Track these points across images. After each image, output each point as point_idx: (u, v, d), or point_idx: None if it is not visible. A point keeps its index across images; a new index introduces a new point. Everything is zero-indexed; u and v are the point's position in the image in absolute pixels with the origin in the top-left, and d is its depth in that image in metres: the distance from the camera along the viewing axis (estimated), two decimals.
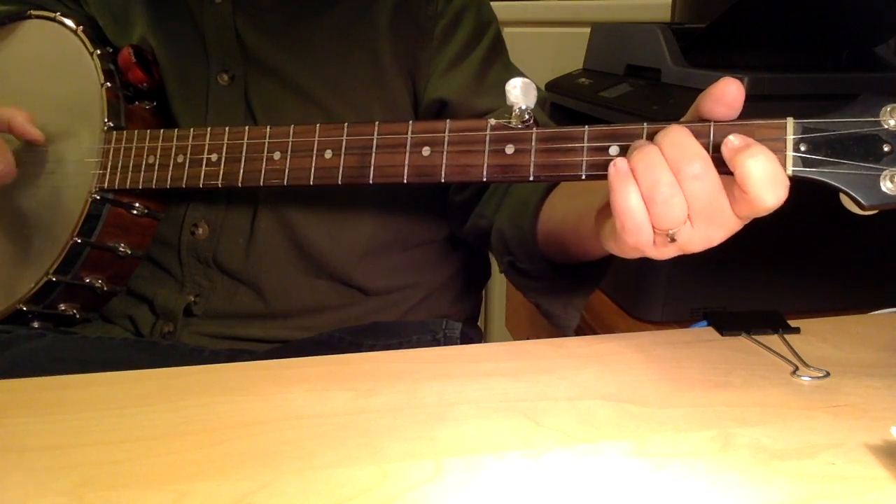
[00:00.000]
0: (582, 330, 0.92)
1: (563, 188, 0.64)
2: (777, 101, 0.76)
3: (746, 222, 0.45)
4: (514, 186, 0.70)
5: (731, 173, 0.43)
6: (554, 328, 0.71)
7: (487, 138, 0.52)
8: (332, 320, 0.75)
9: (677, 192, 0.43)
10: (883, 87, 0.83)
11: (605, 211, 0.48)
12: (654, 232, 0.44)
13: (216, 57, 0.74)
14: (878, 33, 0.87)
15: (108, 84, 0.73)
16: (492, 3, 0.79)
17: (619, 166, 0.45)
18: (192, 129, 0.67)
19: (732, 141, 0.43)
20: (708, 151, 0.44)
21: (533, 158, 0.50)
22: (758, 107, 0.76)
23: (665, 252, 0.46)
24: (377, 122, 0.57)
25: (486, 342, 0.92)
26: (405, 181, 0.55)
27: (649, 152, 0.44)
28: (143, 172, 0.69)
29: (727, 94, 0.44)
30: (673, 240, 0.44)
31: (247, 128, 0.64)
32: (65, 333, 0.73)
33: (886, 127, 0.42)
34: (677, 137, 0.44)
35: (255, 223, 0.74)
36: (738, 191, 0.42)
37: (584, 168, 0.49)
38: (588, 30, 1.10)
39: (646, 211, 0.44)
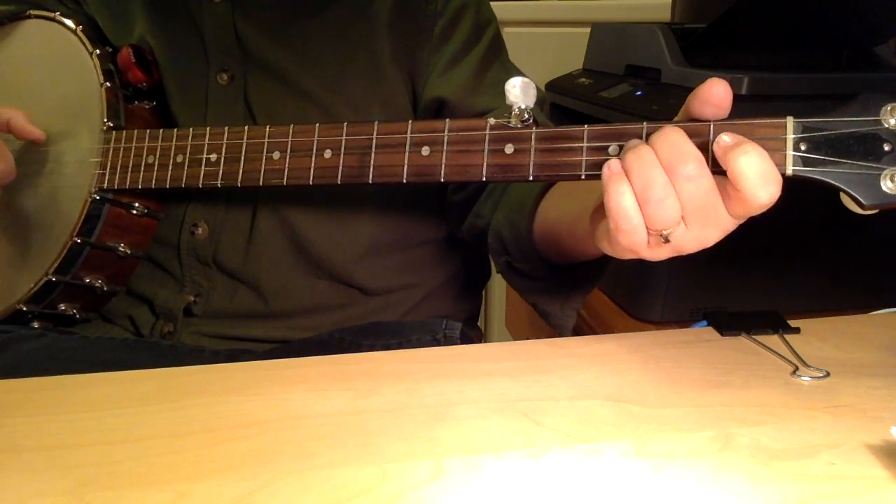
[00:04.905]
0: (582, 330, 0.92)
1: (559, 188, 0.64)
2: (777, 101, 0.76)
3: (741, 222, 0.45)
4: (511, 186, 0.70)
5: (724, 173, 0.43)
6: (552, 328, 0.71)
7: (487, 138, 0.52)
8: (332, 320, 0.75)
9: (671, 192, 0.43)
10: (882, 87, 0.83)
11: (600, 212, 0.48)
12: (648, 233, 0.44)
13: (215, 56, 0.74)
14: (877, 33, 0.87)
15: (108, 84, 0.73)
16: (492, 3, 0.79)
17: (612, 167, 0.45)
18: (191, 129, 0.67)
19: (724, 139, 0.43)
20: (707, 151, 0.44)
21: (532, 158, 0.50)
22: (758, 107, 0.76)
23: (659, 253, 0.46)
24: (376, 122, 0.57)
25: (486, 342, 0.92)
26: (405, 181, 0.55)
27: (643, 152, 0.44)
28: (142, 172, 0.69)
29: (714, 95, 0.44)
30: (667, 240, 0.44)
31: (246, 128, 0.64)
32: (65, 333, 0.73)
33: (887, 126, 0.42)
34: (672, 138, 0.44)
35: (254, 223, 0.74)
36: (732, 189, 0.42)
37: (583, 168, 0.49)
38: (588, 30, 1.09)
39: (640, 211, 0.44)
